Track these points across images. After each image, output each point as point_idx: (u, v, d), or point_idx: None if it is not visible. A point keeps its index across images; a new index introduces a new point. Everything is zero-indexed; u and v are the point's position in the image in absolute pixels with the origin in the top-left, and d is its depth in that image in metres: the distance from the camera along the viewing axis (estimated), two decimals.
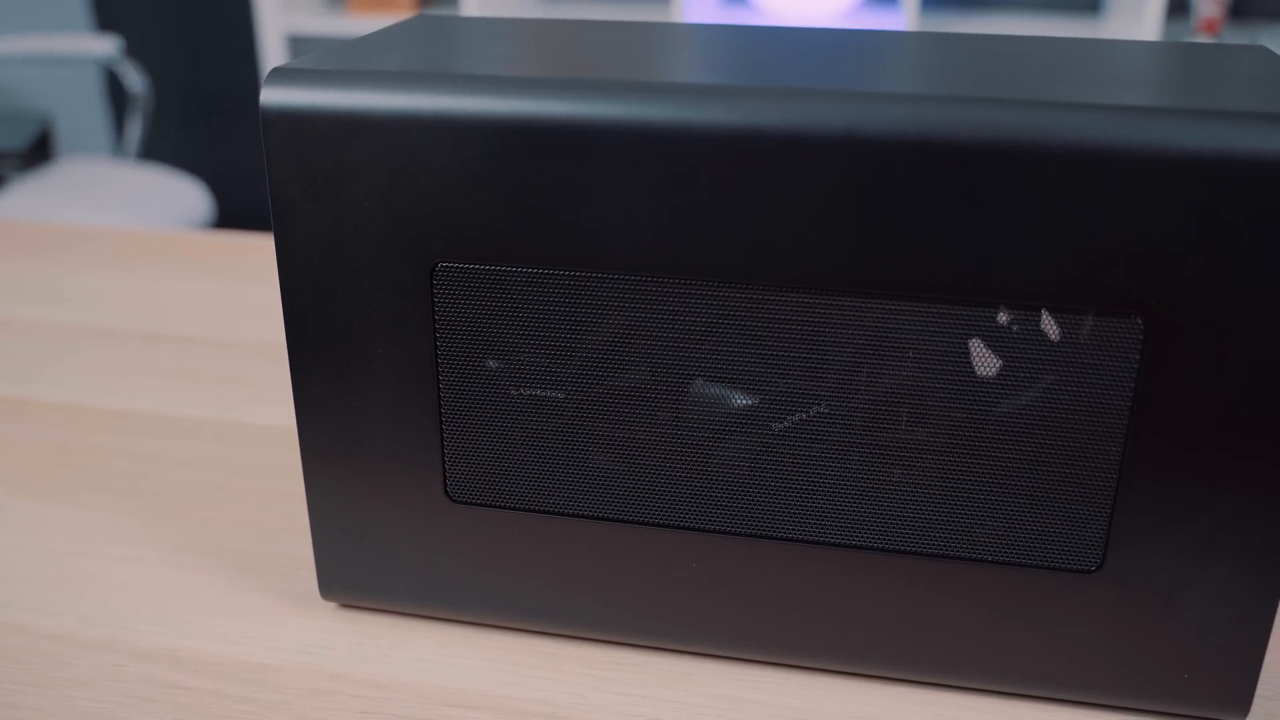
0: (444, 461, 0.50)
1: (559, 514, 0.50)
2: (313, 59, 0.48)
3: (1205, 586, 0.45)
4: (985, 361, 0.45)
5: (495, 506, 0.50)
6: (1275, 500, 0.44)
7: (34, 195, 2.16)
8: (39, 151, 2.69)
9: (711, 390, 0.47)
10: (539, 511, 0.50)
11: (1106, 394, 0.44)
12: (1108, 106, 0.41)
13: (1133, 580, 0.46)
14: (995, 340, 0.44)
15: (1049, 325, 0.44)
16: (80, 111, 2.99)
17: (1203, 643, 0.46)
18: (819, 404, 0.46)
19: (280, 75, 0.46)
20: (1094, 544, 0.46)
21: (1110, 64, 0.49)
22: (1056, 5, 2.32)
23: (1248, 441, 0.43)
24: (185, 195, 2.22)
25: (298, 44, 2.64)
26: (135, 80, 2.37)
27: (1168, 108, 0.41)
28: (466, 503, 0.51)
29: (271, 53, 2.44)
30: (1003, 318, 0.44)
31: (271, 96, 0.46)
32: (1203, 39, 2.07)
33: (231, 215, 2.99)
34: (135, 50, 2.89)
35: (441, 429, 0.49)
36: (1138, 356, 0.43)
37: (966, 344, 0.44)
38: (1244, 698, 0.47)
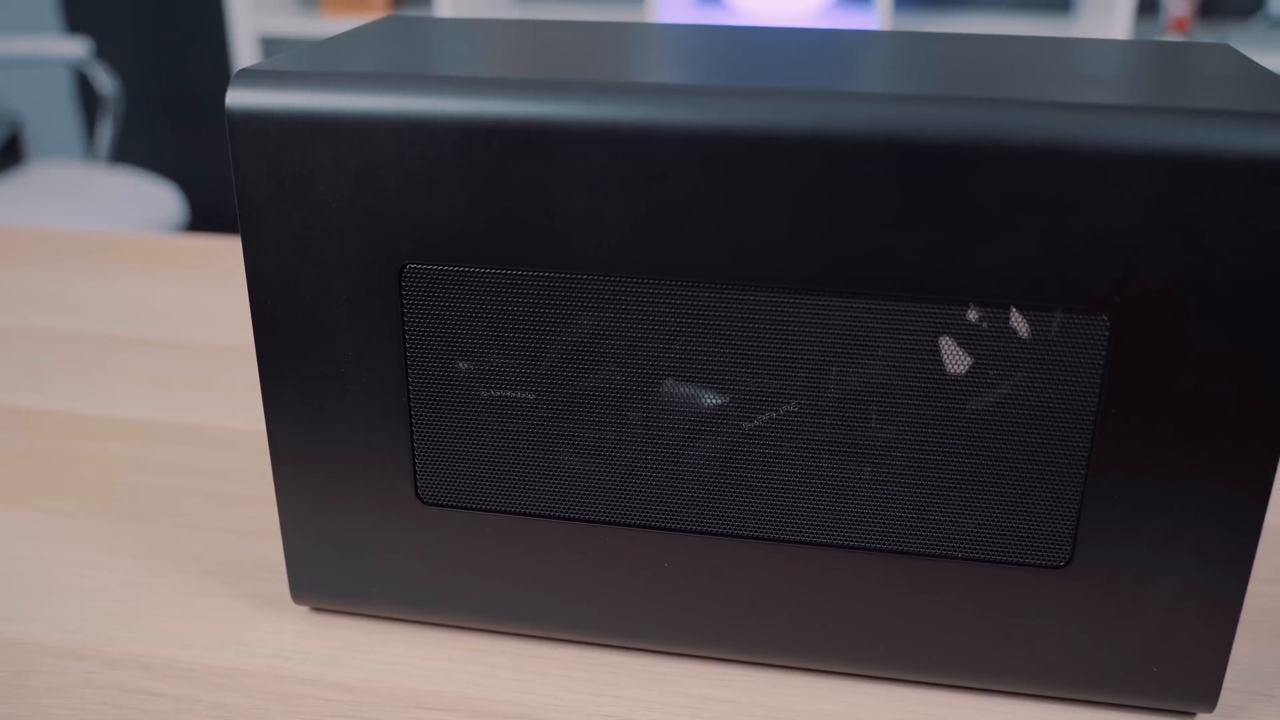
0: (415, 464, 0.50)
1: (530, 515, 0.50)
2: (279, 60, 0.48)
3: (1172, 580, 0.46)
4: (955, 359, 0.45)
5: (466, 508, 0.50)
6: (1239, 494, 0.44)
7: (3, 198, 2.14)
8: (9, 154, 2.66)
9: (682, 390, 0.47)
10: (510, 513, 0.50)
11: (1073, 391, 0.44)
12: (1072, 105, 0.41)
13: (1101, 575, 0.46)
14: (963, 338, 0.44)
15: (1018, 323, 0.44)
16: (50, 114, 2.97)
17: (1170, 636, 0.47)
18: (789, 403, 0.46)
19: (246, 77, 0.46)
20: (1062, 540, 0.46)
21: (1076, 63, 0.49)
22: (1028, 4, 2.34)
23: (1212, 436, 0.43)
24: (157, 198, 2.21)
25: (270, 45, 2.63)
26: (106, 82, 2.36)
27: (1131, 106, 0.41)
28: (438, 505, 0.50)
29: (244, 54, 2.43)
30: (971, 315, 0.44)
31: (237, 98, 0.46)
32: (1172, 37, 2.09)
33: (204, 218, 2.97)
34: (106, 52, 2.87)
35: (412, 431, 0.49)
36: (1104, 353, 0.43)
37: (935, 342, 0.44)
38: (1211, 690, 0.48)
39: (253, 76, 0.46)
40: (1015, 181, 0.41)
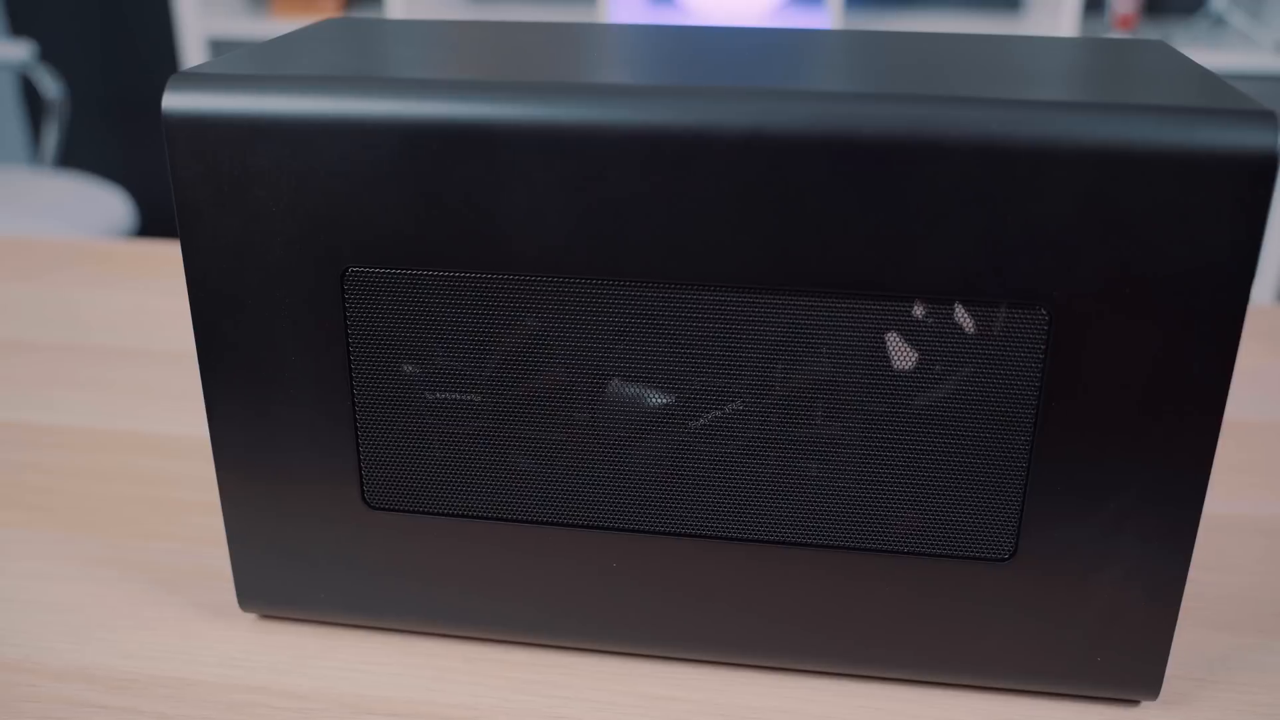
0: (360, 468, 0.50)
1: (478, 518, 0.50)
2: (217, 63, 0.47)
3: (1114, 571, 0.46)
4: (899, 355, 0.45)
5: (414, 512, 0.50)
6: (1179, 484, 0.45)
7: None
8: None
9: (628, 389, 0.47)
10: (458, 516, 0.50)
11: (1014, 385, 0.44)
12: (1008, 101, 0.41)
13: (1045, 567, 0.47)
14: (906, 334, 0.45)
15: (960, 318, 0.44)
16: None
17: (1113, 625, 0.47)
18: (735, 401, 0.47)
19: (183, 80, 0.46)
20: (1006, 533, 0.47)
21: (1016, 60, 0.50)
22: (978, 2, 2.36)
23: (1151, 428, 0.44)
24: (105, 203, 2.18)
25: (219, 47, 2.60)
26: (51, 86, 2.32)
27: (1066, 102, 0.41)
28: (385, 509, 0.50)
29: (192, 56, 2.40)
30: (914, 312, 0.44)
31: (174, 102, 0.45)
32: (1118, 34, 2.11)
33: (154, 222, 2.94)
34: (50, 55, 2.83)
35: (357, 435, 0.49)
36: (1043, 347, 0.43)
37: (878, 338, 0.45)
38: (1155, 678, 0.48)
39: (190, 80, 0.46)
40: (952, 178, 0.41)
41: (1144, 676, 0.48)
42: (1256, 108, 0.41)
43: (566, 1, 2.47)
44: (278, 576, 0.53)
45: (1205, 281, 0.42)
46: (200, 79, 0.46)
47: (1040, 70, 0.48)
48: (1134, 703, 0.50)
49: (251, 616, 0.55)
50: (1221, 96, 0.42)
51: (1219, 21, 2.18)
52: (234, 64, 0.47)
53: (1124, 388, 0.44)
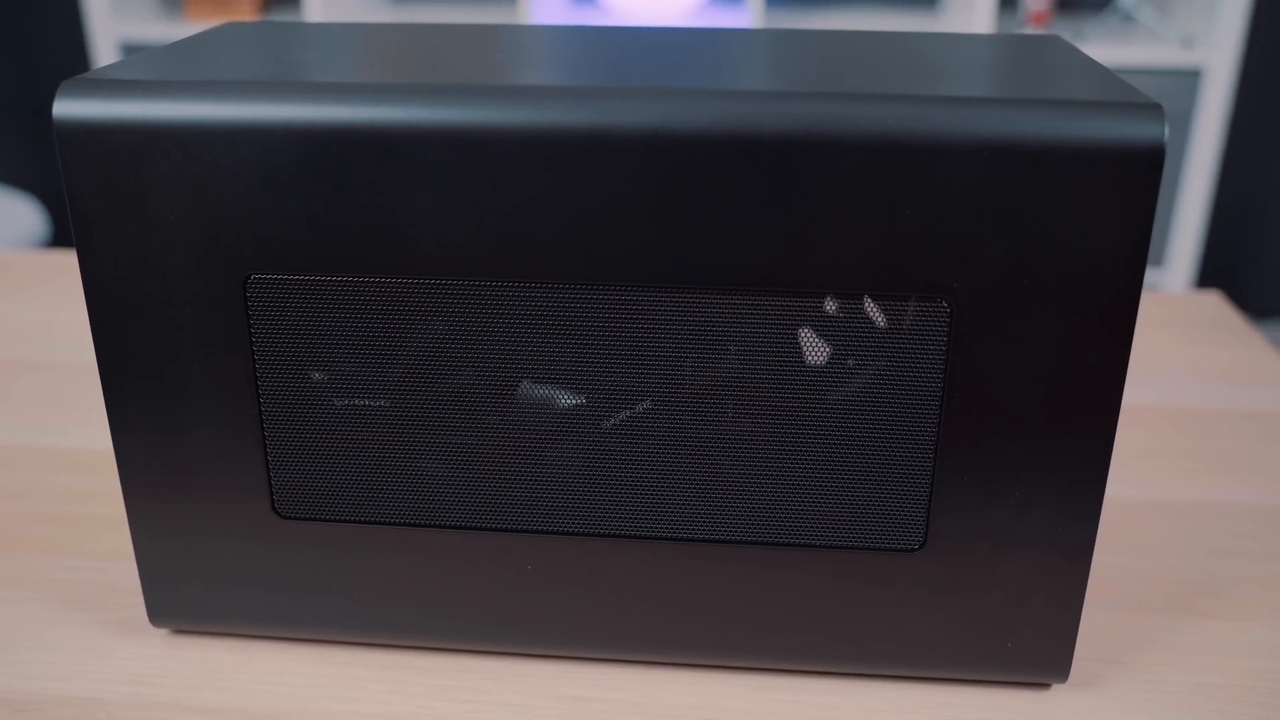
0: (270, 477, 0.49)
1: (391, 524, 0.49)
2: (112, 69, 0.47)
3: (1021, 557, 0.47)
4: (807, 350, 0.45)
5: (326, 520, 0.50)
6: (1081, 470, 0.46)
7: None
8: None
9: (539, 391, 0.47)
10: (370, 523, 0.49)
11: (918, 377, 0.45)
12: (904, 97, 0.42)
13: (954, 555, 0.48)
14: (810, 329, 0.45)
15: (864, 312, 0.45)
16: None
17: (1022, 611, 0.48)
18: (646, 400, 0.47)
19: (74, 87, 0.45)
20: (916, 523, 0.47)
21: (920, 57, 0.51)
22: (897, 0, 2.39)
23: (1051, 415, 0.45)
24: (16, 213, 2.12)
25: (133, 51, 2.55)
26: None
27: (961, 97, 0.42)
28: (296, 518, 0.50)
29: (104, 61, 2.35)
30: (818, 307, 0.45)
31: (65, 109, 0.44)
32: (1031, 30, 2.15)
33: (69, 232, 2.87)
34: None
35: (265, 444, 0.48)
36: (945, 339, 0.44)
37: (784, 334, 0.45)
38: (1063, 661, 0.49)
39: (81, 86, 0.45)
40: (851, 174, 0.42)
41: (1053, 659, 0.49)
42: (1145, 101, 0.42)
43: (487, 2, 2.46)
44: (188, 590, 0.52)
45: (1099, 270, 0.42)
46: (93, 85, 0.45)
47: (941, 66, 0.49)
48: (1045, 686, 0.51)
49: (163, 632, 0.54)
50: (1112, 91, 0.43)
51: (1128, 17, 2.23)
52: (130, 69, 0.46)
53: (1024, 376, 0.44)
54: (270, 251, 0.45)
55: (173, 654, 0.53)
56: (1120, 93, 0.43)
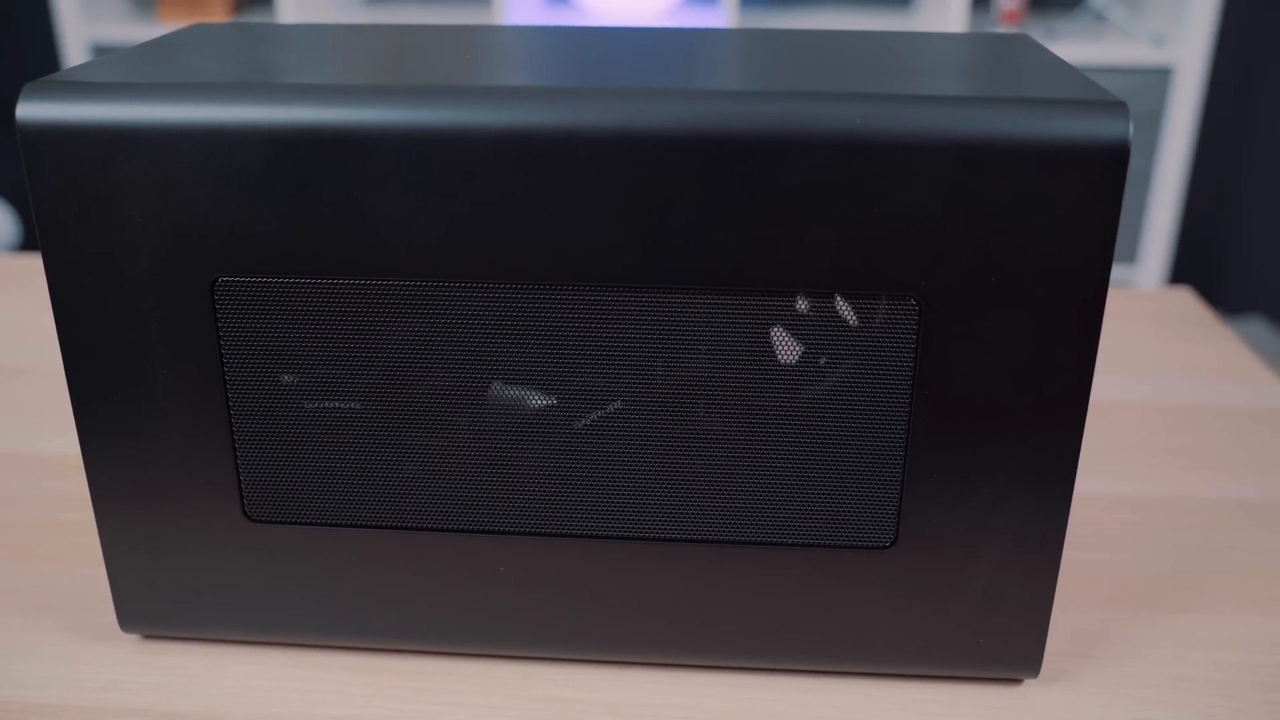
0: (240, 481, 0.49)
1: (362, 526, 0.49)
2: (77, 71, 0.46)
3: (992, 553, 0.47)
4: (778, 349, 0.46)
5: (297, 523, 0.49)
6: (1050, 466, 0.46)
7: None
8: None
9: (510, 392, 0.47)
10: (342, 525, 0.49)
11: (888, 374, 0.45)
12: (871, 96, 0.42)
13: (925, 552, 0.48)
14: (782, 328, 0.45)
15: (834, 311, 0.45)
16: None
17: (993, 606, 0.49)
18: (617, 400, 0.47)
19: (39, 89, 0.44)
20: (887, 521, 0.47)
21: (889, 56, 0.51)
22: (870, 0, 2.40)
23: (1020, 411, 0.45)
24: None
25: (104, 53, 2.53)
26: None
27: (928, 96, 0.42)
28: (266, 522, 0.49)
29: (75, 63, 2.33)
30: (788, 306, 0.45)
31: (29, 112, 0.44)
32: (1004, 29, 2.16)
33: None
34: None
35: (235, 448, 0.48)
36: (914, 336, 0.44)
37: (753, 333, 0.45)
38: (1035, 656, 0.50)
39: (46, 88, 0.44)
40: (818, 173, 0.42)
41: (1024, 655, 0.50)
42: (1110, 99, 0.42)
43: (462, 3, 2.45)
44: (159, 595, 0.51)
45: (1067, 266, 0.43)
46: (57, 87, 0.44)
47: (908, 66, 0.49)
48: (1016, 681, 0.51)
49: (134, 638, 0.54)
50: (1078, 89, 0.44)
51: (1099, 16, 2.24)
52: (95, 71, 0.46)
53: (993, 373, 0.45)
54: (238, 254, 0.45)
55: (144, 659, 0.52)
56: (1086, 91, 0.43)
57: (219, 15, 2.39)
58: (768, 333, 0.45)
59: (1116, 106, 0.41)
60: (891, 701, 0.50)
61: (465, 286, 0.45)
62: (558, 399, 0.47)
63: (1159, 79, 2.07)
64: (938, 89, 0.44)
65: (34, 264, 1.01)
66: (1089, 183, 0.41)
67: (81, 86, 0.44)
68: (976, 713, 0.49)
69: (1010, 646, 0.49)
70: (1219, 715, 0.49)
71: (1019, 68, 0.49)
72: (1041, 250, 0.42)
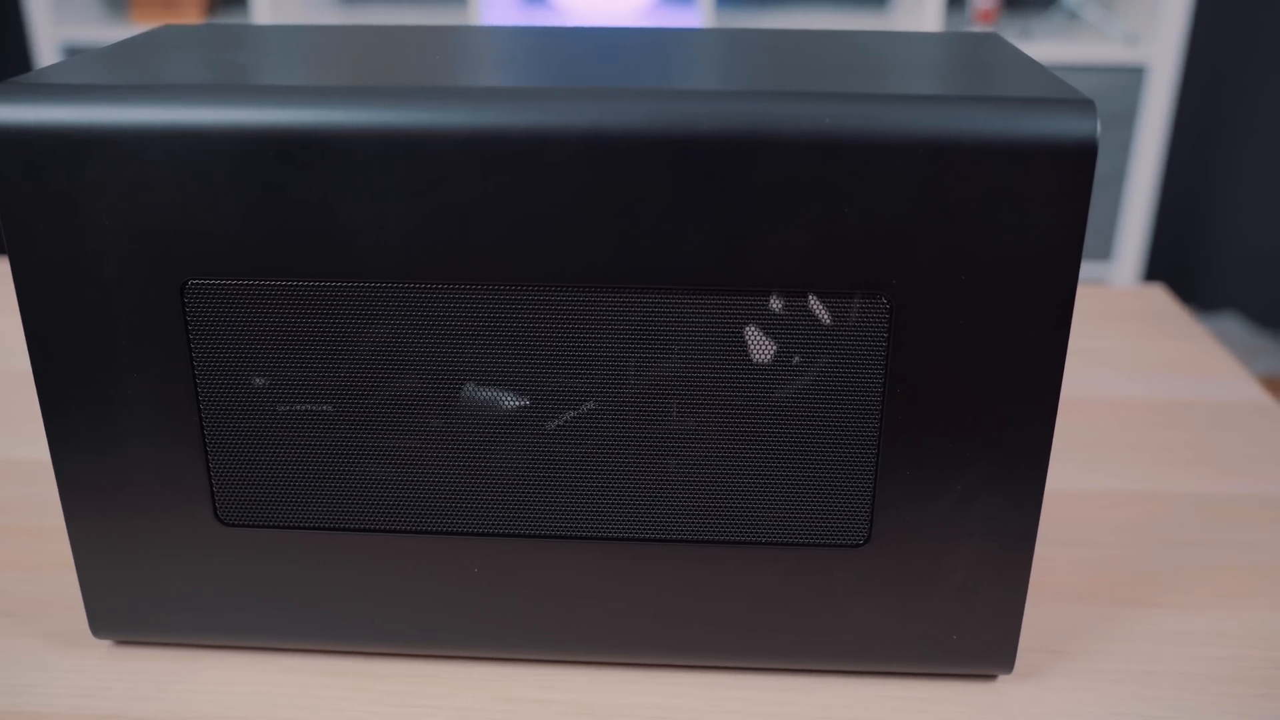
0: (211, 484, 0.48)
1: (335, 529, 0.49)
2: (44, 72, 0.46)
3: (964, 550, 0.48)
4: (750, 348, 0.46)
5: (269, 526, 0.49)
6: (1022, 463, 0.46)
7: None
8: None
9: (483, 393, 0.47)
10: (315, 528, 0.49)
11: (859, 372, 0.45)
12: (840, 95, 0.42)
13: (898, 550, 0.48)
14: (754, 328, 0.45)
15: (807, 310, 0.45)
16: None
17: (967, 603, 0.49)
18: (590, 400, 0.47)
19: (5, 90, 0.44)
20: (860, 519, 0.48)
21: (860, 55, 0.51)
22: (847, 0, 2.40)
23: (992, 408, 0.45)
24: None
25: (76, 54, 2.51)
26: None
27: (897, 95, 0.42)
28: (238, 525, 0.49)
29: (46, 64, 2.31)
30: (760, 305, 0.45)
31: None
32: (979, 28, 2.17)
33: None
34: None
35: (206, 451, 0.48)
36: (885, 334, 0.44)
37: (726, 333, 0.45)
38: (1008, 652, 0.50)
39: (10, 90, 0.44)
40: (788, 172, 0.42)
41: (998, 651, 0.50)
42: (1077, 97, 0.42)
43: (438, 3, 2.45)
44: (131, 601, 0.51)
45: (1036, 263, 0.43)
46: (22, 89, 0.44)
47: (879, 65, 0.50)
48: (991, 677, 0.51)
49: (106, 643, 0.53)
50: (1046, 87, 0.44)
51: (1073, 15, 2.26)
52: (62, 73, 0.46)
53: (964, 370, 0.45)
54: (208, 256, 0.44)
55: (116, 665, 0.52)
56: (1054, 89, 0.43)
57: (193, 16, 2.37)
58: (739, 332, 0.45)
59: (1084, 105, 0.42)
60: (866, 699, 0.50)
61: (437, 288, 0.45)
62: (531, 400, 0.47)
63: (1132, 77, 2.08)
64: (907, 88, 0.44)
65: (1, 268, 1.00)
66: (1057, 180, 0.42)
67: (48, 88, 0.44)
68: (951, 709, 0.50)
69: (984, 643, 0.50)
70: (1189, 708, 0.50)
71: (988, 67, 0.49)
72: (1011, 248, 0.43)
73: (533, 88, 0.43)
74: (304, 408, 0.47)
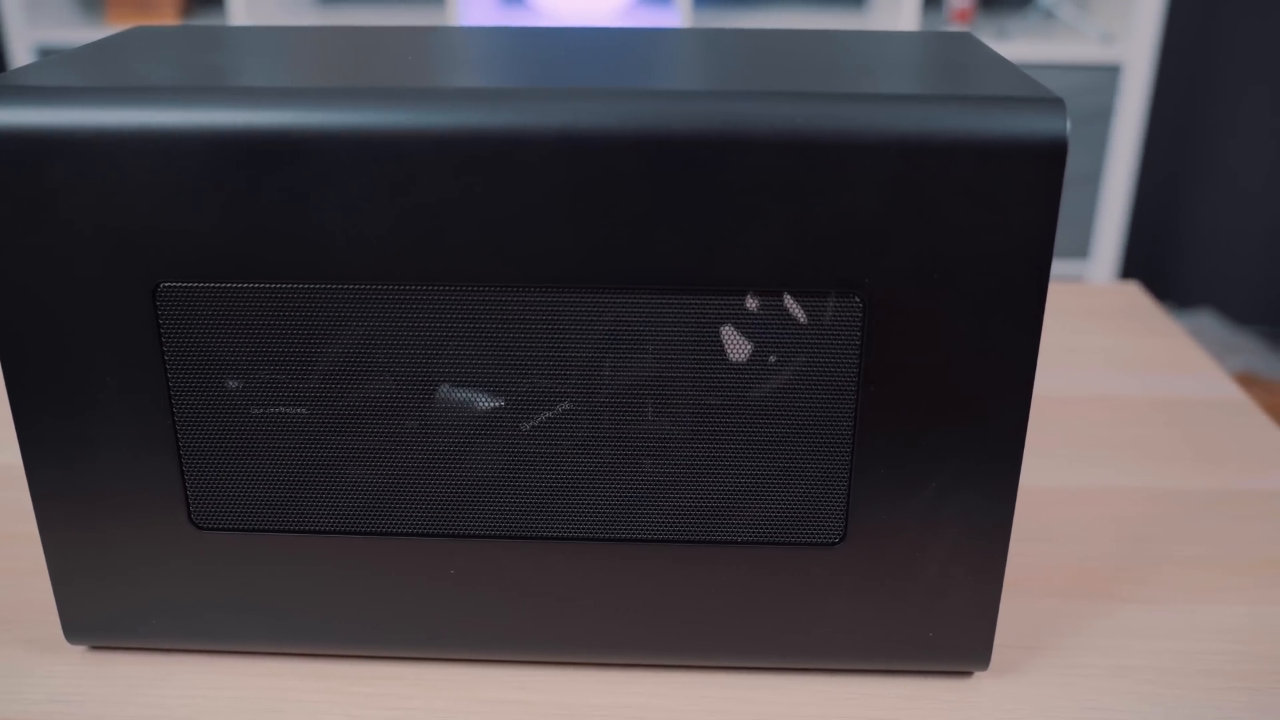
0: (186, 488, 0.48)
1: (311, 532, 0.49)
2: (13, 74, 0.46)
3: (940, 548, 0.48)
4: (726, 348, 0.46)
5: (244, 530, 0.49)
6: (995, 460, 0.46)
7: None
8: None
9: (458, 395, 0.47)
10: (290, 531, 0.49)
11: (834, 371, 0.45)
12: (812, 94, 0.42)
13: (873, 548, 0.48)
14: (728, 327, 0.45)
15: (782, 309, 0.45)
16: None
17: (942, 601, 0.49)
18: (565, 400, 0.47)
19: None
20: (835, 517, 0.48)
21: (834, 54, 0.51)
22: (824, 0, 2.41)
23: (965, 406, 0.45)
24: None
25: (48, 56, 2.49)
26: None
27: (869, 94, 0.43)
28: (213, 529, 0.49)
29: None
30: (736, 304, 0.45)
31: None
32: (955, 28, 2.18)
33: None
34: None
35: (180, 455, 0.47)
36: (859, 333, 0.45)
37: (701, 332, 0.45)
38: (984, 648, 0.50)
39: None
40: (761, 172, 0.42)
41: (974, 648, 0.50)
42: (1048, 96, 0.42)
43: (415, 4, 2.44)
44: (105, 606, 0.51)
45: (1007, 261, 0.43)
46: None
47: (852, 64, 0.50)
48: (967, 674, 0.52)
49: (81, 649, 0.53)
50: (1017, 86, 0.44)
51: (1049, 14, 2.27)
52: (33, 74, 0.45)
53: (937, 368, 0.45)
54: (180, 259, 0.44)
55: (90, 671, 0.52)
56: (1025, 88, 0.44)
57: (169, 17, 2.36)
58: (714, 332, 0.45)
59: (1054, 103, 0.42)
60: (843, 696, 0.50)
61: (411, 289, 0.45)
62: (506, 400, 0.47)
63: (1108, 76, 2.09)
64: (879, 87, 0.44)
65: None
66: (1029, 178, 0.42)
67: (18, 90, 0.44)
68: (927, 705, 0.50)
69: (959, 639, 0.50)
70: (1164, 702, 0.50)
71: (961, 66, 0.49)
72: (983, 245, 0.43)
73: (506, 88, 0.43)
74: (278, 410, 0.47)
